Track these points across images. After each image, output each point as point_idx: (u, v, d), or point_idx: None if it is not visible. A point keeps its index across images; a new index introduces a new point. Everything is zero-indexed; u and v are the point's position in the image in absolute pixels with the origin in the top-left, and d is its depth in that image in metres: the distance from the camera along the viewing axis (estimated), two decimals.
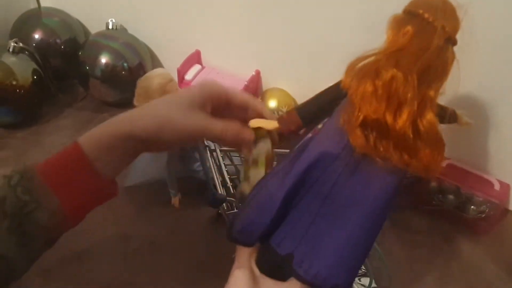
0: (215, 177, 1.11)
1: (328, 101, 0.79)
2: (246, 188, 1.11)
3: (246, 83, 1.43)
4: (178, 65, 1.50)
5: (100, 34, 1.59)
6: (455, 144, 1.36)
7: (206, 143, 1.18)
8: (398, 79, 0.64)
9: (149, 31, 1.64)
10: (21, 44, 1.49)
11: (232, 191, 1.11)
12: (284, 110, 1.45)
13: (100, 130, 0.66)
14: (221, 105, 0.67)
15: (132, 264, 1.21)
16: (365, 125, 0.62)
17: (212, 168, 1.13)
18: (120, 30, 1.61)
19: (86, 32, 1.74)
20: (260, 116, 0.65)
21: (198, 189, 1.33)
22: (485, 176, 1.32)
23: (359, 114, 0.63)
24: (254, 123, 0.76)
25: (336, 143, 0.65)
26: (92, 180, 0.63)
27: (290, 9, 1.34)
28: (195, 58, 1.57)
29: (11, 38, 1.51)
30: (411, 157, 0.64)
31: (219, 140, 0.66)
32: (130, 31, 1.65)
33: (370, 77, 0.65)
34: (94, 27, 1.69)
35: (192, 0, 1.48)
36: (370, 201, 0.60)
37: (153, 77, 1.18)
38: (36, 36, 1.60)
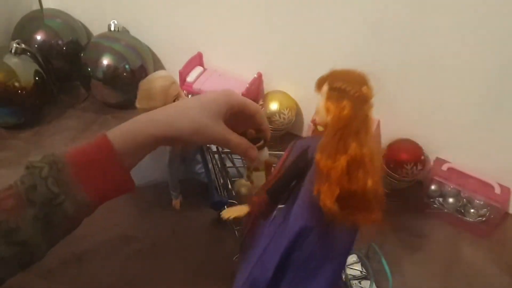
0: (216, 179, 1.11)
1: (296, 175, 0.85)
2: (242, 187, 1.13)
3: (247, 85, 1.44)
4: (180, 67, 1.50)
5: (102, 36, 1.60)
6: (456, 148, 1.37)
7: (208, 145, 1.19)
8: (363, 153, 0.72)
9: (151, 33, 1.65)
10: (23, 45, 1.49)
11: (233, 194, 1.12)
12: (286, 112, 1.45)
13: (134, 128, 0.69)
14: (236, 112, 0.73)
15: (133, 266, 1.21)
16: (340, 197, 0.71)
17: (214, 170, 1.14)
18: (122, 32, 1.62)
19: (88, 34, 1.74)
20: (259, 125, 0.74)
21: (199, 191, 1.34)
22: (486, 180, 1.33)
23: (335, 188, 0.71)
24: (226, 213, 0.85)
25: (311, 216, 0.76)
26: (119, 174, 0.66)
27: (292, 12, 1.35)
28: (197, 60, 1.57)
29: (13, 39, 1.51)
30: (370, 214, 0.74)
31: (233, 151, 0.73)
32: (132, 33, 1.65)
33: (340, 154, 0.72)
34: (97, 29, 1.70)
35: (194, 3, 1.48)
36: (339, 258, 0.76)
37: (155, 80, 1.18)
38: (38, 37, 1.60)
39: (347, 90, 0.77)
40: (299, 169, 0.86)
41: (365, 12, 1.25)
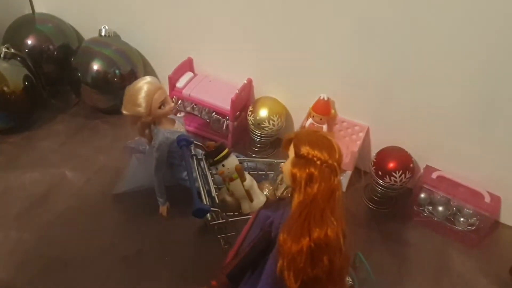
0: (200, 186, 1.10)
1: (255, 258, 0.84)
2: (227, 196, 1.13)
3: (237, 91, 1.43)
4: (171, 72, 1.50)
5: (92, 41, 1.59)
6: (446, 156, 1.36)
7: (193, 152, 1.18)
8: (328, 236, 0.71)
9: (142, 38, 1.64)
10: (12, 50, 1.49)
11: (217, 201, 1.10)
12: (275, 119, 1.44)
13: None
14: None
15: (119, 272, 1.20)
16: (305, 281, 0.72)
17: (198, 177, 1.13)
18: (113, 37, 1.61)
19: (79, 38, 1.73)
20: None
21: (186, 198, 1.32)
22: (476, 188, 1.31)
23: (299, 274, 0.71)
24: None
25: None
26: None
27: (282, 19, 1.34)
28: (187, 65, 1.56)
29: (4, 44, 1.51)
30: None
31: None
32: (123, 38, 1.65)
33: (304, 237, 0.71)
34: (88, 34, 1.69)
35: (186, 8, 1.48)
36: None
37: (141, 85, 1.17)
38: (30, 42, 1.60)
39: (315, 159, 0.75)
40: (261, 250, 0.83)
41: (355, 21, 1.24)
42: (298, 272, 0.71)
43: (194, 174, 1.12)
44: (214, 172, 1.22)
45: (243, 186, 1.13)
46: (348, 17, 1.25)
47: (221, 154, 1.13)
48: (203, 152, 1.19)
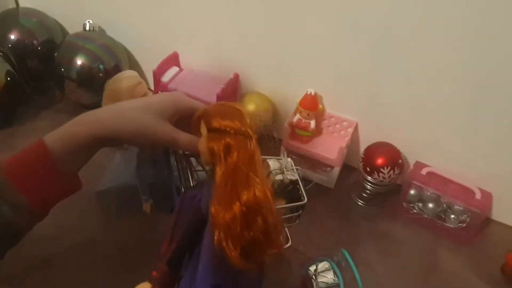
0: (180, 184, 1.07)
1: (190, 239, 0.82)
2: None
3: (223, 86, 1.40)
4: (155, 67, 1.47)
5: (76, 36, 1.56)
6: (436, 152, 1.33)
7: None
8: (257, 197, 0.69)
9: (127, 32, 1.61)
10: None
11: None
12: (262, 114, 1.42)
13: (71, 130, 0.68)
14: (187, 115, 0.73)
15: (101, 270, 1.17)
16: (244, 246, 0.69)
17: (179, 174, 1.10)
18: (98, 32, 1.58)
19: (64, 33, 1.71)
20: None
21: (170, 195, 1.30)
22: (466, 185, 1.29)
23: (238, 240, 0.69)
24: None
25: (218, 270, 0.74)
26: (54, 175, 0.64)
27: (269, 12, 1.31)
28: (173, 60, 1.53)
29: None
30: (273, 248, 0.73)
31: (184, 150, 0.73)
32: (108, 32, 1.62)
33: (234, 203, 0.69)
34: (73, 28, 1.66)
35: (171, 2, 1.45)
36: None
37: (121, 80, 1.15)
38: (13, 36, 1.57)
39: (227, 130, 0.73)
40: (194, 230, 0.80)
41: (343, 15, 1.21)
42: (236, 239, 0.69)
43: (175, 172, 1.10)
44: (197, 168, 1.19)
45: None
46: (336, 12, 1.22)
47: None
48: None
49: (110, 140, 0.66)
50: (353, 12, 1.20)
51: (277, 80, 1.45)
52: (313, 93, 1.34)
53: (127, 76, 1.16)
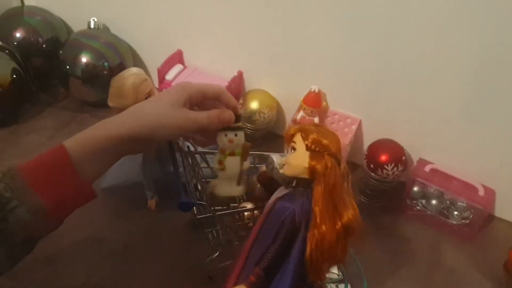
0: (186, 180, 1.07)
1: (284, 246, 0.82)
2: (215, 189, 1.09)
3: (227, 83, 1.41)
4: (160, 65, 1.48)
5: (81, 33, 1.57)
6: (439, 149, 1.34)
7: (180, 145, 1.15)
8: (356, 217, 0.75)
9: (131, 30, 1.62)
10: (0, 43, 1.47)
11: (204, 196, 1.08)
12: (266, 111, 1.42)
13: (88, 134, 0.68)
14: (198, 100, 0.73)
15: (105, 268, 1.18)
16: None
17: (185, 171, 1.10)
18: (102, 30, 1.59)
19: (69, 31, 1.72)
20: (227, 104, 0.80)
21: (175, 191, 1.30)
22: (469, 181, 1.29)
23: (332, 262, 0.76)
24: None
25: (299, 280, 0.77)
26: (73, 181, 0.64)
27: (273, 10, 1.32)
28: (177, 58, 1.54)
29: None
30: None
31: (206, 129, 0.73)
32: (113, 30, 1.63)
33: (336, 223, 0.73)
34: (78, 26, 1.68)
35: (176, 0, 1.46)
36: None
37: (126, 77, 1.15)
38: (18, 34, 1.58)
39: (325, 152, 0.77)
40: (289, 242, 0.81)
41: (347, 13, 1.22)
42: (331, 258, 0.75)
43: (180, 168, 1.10)
44: (203, 165, 1.20)
45: (241, 166, 1.07)
46: (340, 9, 1.23)
47: (239, 123, 1.09)
48: (189, 145, 1.16)
49: (131, 140, 0.66)
50: (356, 11, 1.21)
51: (281, 78, 1.46)
52: (316, 90, 1.34)
53: (132, 73, 1.16)
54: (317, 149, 0.78)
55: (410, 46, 1.20)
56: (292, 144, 0.82)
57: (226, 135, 1.13)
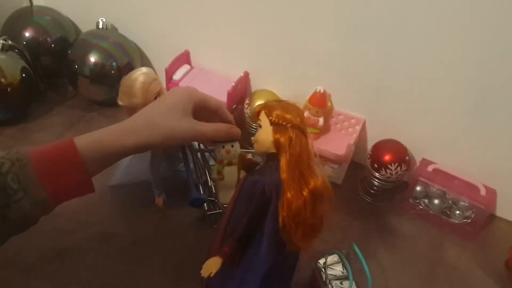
0: (197, 177, 1.10)
1: (256, 218, 0.87)
2: (218, 194, 1.11)
3: (234, 83, 1.43)
4: (168, 65, 1.50)
5: (89, 33, 1.59)
6: (441, 149, 1.36)
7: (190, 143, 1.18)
8: (318, 184, 0.79)
9: (139, 31, 1.64)
10: (10, 42, 1.49)
11: (214, 191, 1.11)
12: None
13: (103, 138, 0.71)
14: (199, 108, 0.77)
15: (114, 263, 1.20)
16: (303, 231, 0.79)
17: (195, 168, 1.13)
18: (110, 30, 1.61)
19: (77, 31, 1.74)
20: (224, 120, 0.86)
21: (183, 189, 1.32)
22: (471, 181, 1.32)
23: (303, 226, 0.78)
24: (206, 270, 0.84)
25: (277, 251, 0.83)
26: (80, 177, 0.67)
27: (280, 12, 1.34)
28: (184, 58, 1.56)
29: (1, 36, 1.51)
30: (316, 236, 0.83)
31: (212, 140, 0.79)
32: (121, 31, 1.65)
33: (303, 190, 0.78)
34: (86, 26, 1.70)
35: (183, 1, 1.48)
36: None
37: (136, 76, 1.17)
38: (27, 34, 1.60)
39: (288, 125, 0.80)
40: (260, 213, 0.85)
41: (351, 13, 1.25)
42: (301, 223, 0.78)
43: (191, 165, 1.13)
44: (210, 163, 1.22)
45: (239, 174, 1.11)
46: (345, 11, 1.25)
47: None
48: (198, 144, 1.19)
49: (140, 148, 0.70)
50: (361, 12, 1.23)
51: (286, 79, 1.48)
52: (322, 91, 1.36)
53: (142, 73, 1.18)
54: (280, 122, 0.81)
55: (414, 48, 1.22)
56: (258, 122, 0.85)
57: (223, 147, 1.17)
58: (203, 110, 0.78)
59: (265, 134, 0.83)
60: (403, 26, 1.20)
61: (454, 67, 1.20)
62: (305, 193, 0.78)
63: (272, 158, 0.83)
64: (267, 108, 0.83)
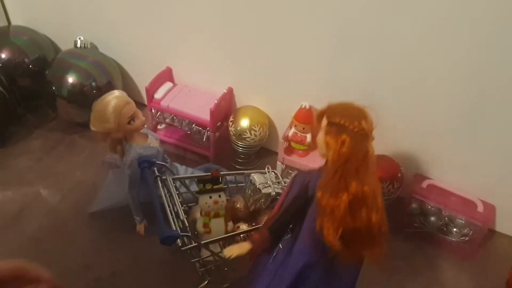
0: (168, 210, 1.01)
1: (296, 213, 0.90)
2: (198, 220, 1.05)
3: (216, 101, 1.37)
4: (148, 83, 1.44)
5: (67, 53, 1.54)
6: (436, 164, 1.29)
7: (157, 173, 1.09)
8: (364, 191, 0.78)
9: (119, 48, 1.58)
10: None
11: (187, 224, 1.02)
12: (257, 129, 1.38)
13: None
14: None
15: None
16: (344, 234, 0.77)
17: (165, 199, 1.04)
18: (89, 49, 1.56)
19: (56, 50, 1.68)
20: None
21: (164, 215, 1.26)
22: (468, 197, 1.25)
23: (339, 226, 0.77)
24: (229, 251, 0.89)
25: (314, 252, 0.83)
26: None
27: (262, 27, 1.28)
28: (166, 75, 1.50)
29: None
30: (374, 249, 0.80)
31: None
32: (101, 48, 1.59)
33: (341, 192, 0.77)
34: (65, 45, 1.64)
35: (164, 18, 1.42)
36: None
37: (108, 100, 1.11)
38: (3, 55, 1.54)
39: (346, 125, 0.81)
40: (299, 207, 0.88)
41: (336, 28, 1.19)
42: (337, 224, 0.77)
43: (160, 199, 1.05)
44: (181, 191, 1.15)
45: (226, 228, 1.07)
46: (329, 24, 1.19)
47: (221, 184, 1.10)
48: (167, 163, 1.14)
49: None
50: (346, 27, 1.17)
51: (271, 94, 1.42)
52: (307, 107, 1.30)
53: (114, 96, 1.12)
54: (335, 123, 0.82)
55: (401, 61, 1.16)
56: (321, 122, 0.88)
57: (210, 197, 1.10)
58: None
59: (320, 136, 0.87)
60: (391, 40, 1.14)
61: (447, 83, 1.14)
62: (342, 194, 0.77)
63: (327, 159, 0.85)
64: (329, 110, 0.86)
